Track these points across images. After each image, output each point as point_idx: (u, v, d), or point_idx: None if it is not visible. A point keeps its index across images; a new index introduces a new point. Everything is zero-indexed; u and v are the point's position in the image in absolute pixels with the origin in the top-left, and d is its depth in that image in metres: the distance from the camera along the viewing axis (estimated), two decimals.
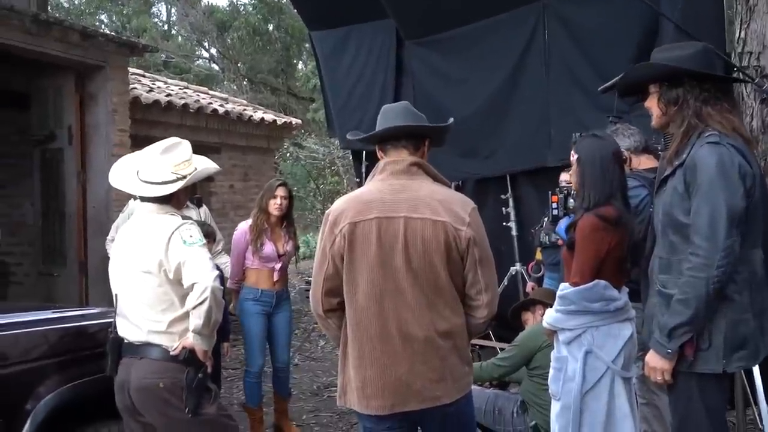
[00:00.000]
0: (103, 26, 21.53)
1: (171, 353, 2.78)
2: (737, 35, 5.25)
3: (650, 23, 4.37)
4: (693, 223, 2.45)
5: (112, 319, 3.04)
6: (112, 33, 9.09)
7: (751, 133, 5.14)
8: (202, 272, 2.73)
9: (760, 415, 3.39)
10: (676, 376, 2.55)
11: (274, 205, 4.69)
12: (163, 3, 25.89)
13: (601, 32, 4.72)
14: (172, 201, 2.97)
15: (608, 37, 4.66)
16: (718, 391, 2.58)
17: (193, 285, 2.73)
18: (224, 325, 4.44)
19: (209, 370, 2.87)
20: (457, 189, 5.52)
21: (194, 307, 2.72)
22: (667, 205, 2.59)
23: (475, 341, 5.18)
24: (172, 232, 2.81)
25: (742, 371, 3.39)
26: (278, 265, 4.73)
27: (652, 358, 2.56)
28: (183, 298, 2.79)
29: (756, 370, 3.15)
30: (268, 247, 4.66)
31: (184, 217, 2.94)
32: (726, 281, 2.42)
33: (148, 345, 2.82)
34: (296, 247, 4.96)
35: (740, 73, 4.33)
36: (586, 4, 4.80)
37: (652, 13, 4.31)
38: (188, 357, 2.78)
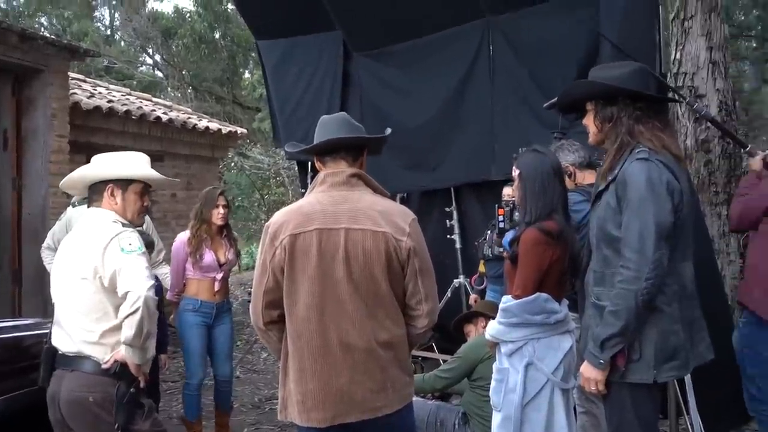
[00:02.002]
0: (43, 29, 20.98)
1: (102, 366, 2.73)
2: (672, 56, 5.47)
3: (591, 42, 4.48)
4: (623, 237, 2.53)
5: (47, 330, 2.98)
6: (53, 36, 8.87)
7: (685, 151, 5.35)
8: (136, 281, 2.69)
9: (692, 424, 3.50)
10: (609, 386, 2.61)
11: (218, 215, 4.66)
12: (106, 7, 25.43)
13: (544, 49, 4.80)
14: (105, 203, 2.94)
15: (551, 55, 4.74)
16: (650, 401, 2.65)
17: (126, 294, 2.69)
18: (162, 337, 4.37)
19: (142, 384, 2.83)
20: (402, 201, 5.57)
21: (126, 317, 2.68)
22: (601, 220, 2.66)
23: (418, 353, 5.23)
24: (111, 239, 2.76)
25: (675, 381, 3.50)
26: (219, 275, 4.68)
27: (586, 369, 2.62)
28: (117, 309, 2.74)
29: (688, 379, 3.26)
30: (208, 257, 4.61)
31: (125, 225, 2.89)
32: (655, 293, 2.49)
33: (79, 357, 2.76)
34: (237, 254, 4.92)
35: (674, 93, 4.50)
36: (530, 22, 4.89)
37: (592, 33, 4.43)
38: (120, 371, 2.73)
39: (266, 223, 2.57)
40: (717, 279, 4.33)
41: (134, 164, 3.04)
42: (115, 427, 2.69)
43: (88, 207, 3.01)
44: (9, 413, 3.00)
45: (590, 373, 2.61)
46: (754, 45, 17.59)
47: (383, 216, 2.48)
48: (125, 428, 2.71)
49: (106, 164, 3.01)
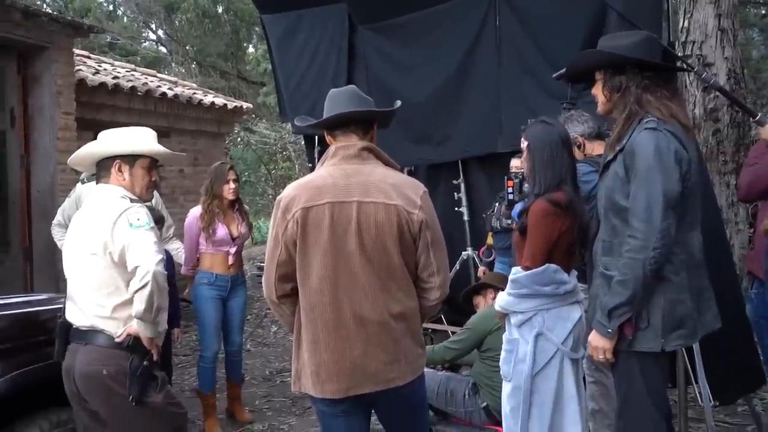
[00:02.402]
0: (45, 6, 20.85)
1: (115, 340, 2.77)
2: (681, 25, 5.44)
3: (597, 12, 4.45)
4: (631, 207, 2.54)
5: (60, 306, 3.02)
6: (55, 12, 8.84)
7: (693, 120, 5.34)
8: (145, 256, 2.71)
9: (700, 392, 3.53)
10: (618, 355, 2.64)
11: (229, 190, 4.71)
12: None
13: (551, 20, 4.78)
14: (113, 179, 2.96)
15: (558, 25, 4.71)
16: (658, 370, 2.67)
17: (135, 269, 2.71)
18: (174, 311, 4.43)
19: (156, 357, 2.86)
20: (410, 174, 5.57)
21: (136, 292, 2.70)
22: (609, 189, 2.67)
23: (427, 325, 5.27)
24: (120, 214, 2.78)
25: (684, 350, 3.53)
26: (233, 249, 4.75)
27: (594, 338, 2.66)
28: (128, 283, 2.76)
29: (696, 348, 3.28)
30: (221, 231, 4.67)
31: (133, 200, 2.90)
32: (663, 262, 2.51)
33: (93, 331, 2.80)
34: (250, 227, 4.98)
35: (682, 62, 4.47)
36: None
37: (599, 3, 4.41)
38: (133, 344, 2.77)
39: (278, 197, 2.60)
40: (725, 248, 4.33)
41: (141, 139, 3.05)
42: (129, 399, 2.73)
43: (97, 183, 3.03)
44: (25, 387, 3.04)
45: (598, 342, 2.64)
46: (763, 12, 17.39)
47: (395, 189, 2.49)
48: (139, 400, 2.74)
49: (113, 140, 3.02)
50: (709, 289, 2.71)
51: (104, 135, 3.08)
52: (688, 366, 3.80)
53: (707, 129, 5.53)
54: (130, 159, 2.96)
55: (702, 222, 2.76)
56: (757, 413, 4.17)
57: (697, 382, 3.53)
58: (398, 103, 2.82)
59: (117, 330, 2.78)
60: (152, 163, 3.04)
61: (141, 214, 2.83)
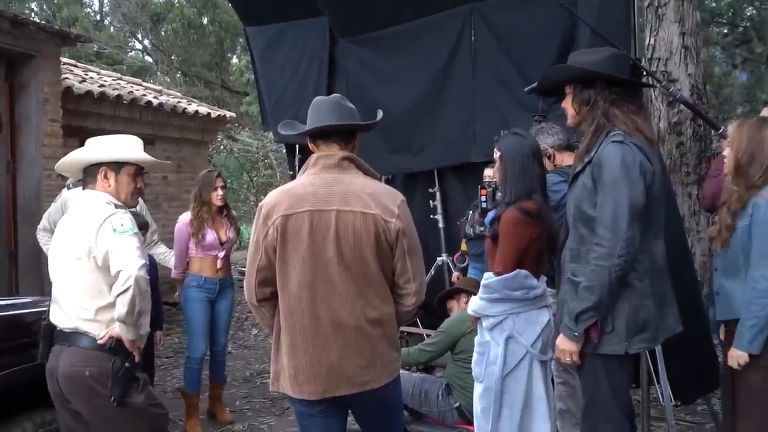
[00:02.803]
0: (33, 14, 20.64)
1: (98, 342, 2.75)
2: (647, 42, 5.51)
3: (569, 28, 4.50)
4: (598, 217, 2.56)
5: (44, 308, 2.99)
6: (43, 22, 8.76)
7: (658, 133, 5.41)
8: (128, 261, 2.69)
9: (662, 392, 3.57)
10: (584, 358, 2.66)
11: (217, 197, 4.74)
12: None
13: (524, 35, 4.82)
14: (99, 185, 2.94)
15: (531, 41, 4.75)
16: (622, 371, 2.70)
17: (118, 273, 2.69)
18: (157, 314, 4.39)
19: (138, 359, 2.84)
20: (388, 182, 5.58)
21: (118, 295, 2.68)
22: (578, 200, 2.70)
23: (403, 328, 5.27)
24: (104, 220, 2.76)
25: (647, 352, 3.57)
26: (221, 253, 4.75)
27: (561, 341, 2.68)
28: (111, 287, 2.74)
29: (658, 350, 3.32)
30: (210, 236, 4.68)
31: (118, 206, 2.88)
32: (627, 269, 2.54)
33: (76, 333, 2.78)
34: (237, 232, 4.99)
35: (649, 78, 4.53)
36: (511, 8, 4.90)
37: (570, 19, 4.44)
38: (115, 346, 2.74)
39: (260, 204, 2.58)
40: (687, 256, 4.40)
41: (126, 147, 3.03)
42: (111, 400, 2.71)
43: (83, 189, 3.01)
44: (9, 388, 3.01)
45: (565, 345, 2.66)
46: (725, 31, 17.67)
47: (373, 198, 2.49)
48: (120, 401, 2.72)
49: (99, 147, 3.00)
50: (671, 295, 2.74)
51: (91, 142, 3.05)
52: (651, 367, 3.83)
53: (671, 142, 5.60)
54: (116, 166, 2.94)
55: (665, 231, 2.79)
56: (715, 412, 4.22)
57: (659, 383, 3.57)
58: (380, 113, 2.82)
59: (100, 332, 2.76)
60: (138, 170, 3.02)
61: (125, 219, 2.80)
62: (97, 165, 2.94)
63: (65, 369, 2.76)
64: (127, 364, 2.76)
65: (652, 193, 2.60)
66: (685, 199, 5.63)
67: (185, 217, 4.76)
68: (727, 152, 2.89)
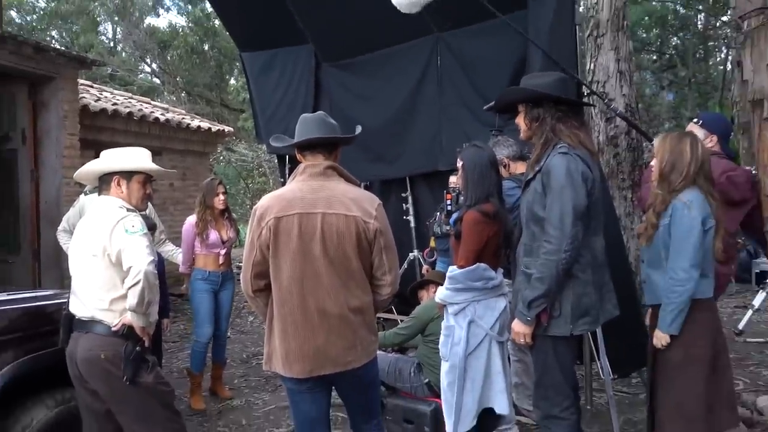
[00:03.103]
0: (53, 41, 20.31)
1: (112, 329, 2.71)
2: (588, 67, 5.55)
3: (522, 54, 4.53)
4: (547, 217, 2.58)
5: (64, 300, 2.95)
6: (63, 48, 8.62)
7: (597, 145, 5.45)
8: (138, 257, 2.67)
9: (602, 367, 3.60)
10: (535, 339, 2.68)
11: (219, 201, 4.71)
12: (109, 22, 24.68)
13: (483, 61, 4.84)
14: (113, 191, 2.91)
15: (489, 65, 4.78)
16: (568, 350, 2.72)
17: (129, 268, 2.66)
18: (164, 304, 4.34)
19: (147, 344, 2.80)
20: (366, 188, 5.58)
21: (130, 288, 2.66)
22: (529, 203, 2.70)
23: (379, 315, 5.26)
24: (117, 222, 2.73)
25: (589, 333, 3.60)
26: (223, 250, 4.73)
27: (516, 324, 2.69)
28: (123, 280, 2.71)
29: (599, 332, 3.34)
30: (213, 236, 4.66)
31: (129, 209, 2.86)
32: (572, 262, 2.56)
33: (93, 321, 2.74)
34: (237, 231, 4.94)
35: (591, 97, 4.56)
36: (472, 37, 4.92)
37: (523, 47, 4.47)
38: (127, 332, 2.71)
39: (254, 207, 2.57)
40: (623, 250, 4.44)
41: (137, 158, 3.00)
42: (124, 380, 2.68)
43: (99, 195, 2.97)
44: (34, 370, 2.96)
45: (520, 328, 2.67)
46: (654, 57, 17.92)
47: (354, 202, 2.49)
48: (132, 380, 2.69)
49: (113, 158, 2.97)
50: (609, 284, 2.76)
51: (106, 154, 3.02)
52: (593, 346, 3.87)
53: (609, 152, 5.64)
54: (128, 175, 2.92)
55: (604, 229, 2.81)
56: (648, 384, 4.27)
57: (599, 359, 3.59)
58: (359, 128, 2.81)
59: (113, 320, 2.72)
60: (147, 178, 3.00)
61: (136, 221, 2.78)
62: (111, 174, 2.91)
63: (83, 353, 2.72)
64: (137, 348, 2.73)
65: (592, 197, 2.62)
66: (621, 201, 5.67)
67: (191, 219, 4.74)
68: (653, 161, 2.91)
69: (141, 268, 2.65)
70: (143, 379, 2.74)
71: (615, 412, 3.32)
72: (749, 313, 6.26)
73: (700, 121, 3.41)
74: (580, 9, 6.13)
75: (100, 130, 7.50)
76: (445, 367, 3.11)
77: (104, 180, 2.93)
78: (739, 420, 3.07)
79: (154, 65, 22.95)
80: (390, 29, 5.13)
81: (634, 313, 3.83)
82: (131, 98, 9.32)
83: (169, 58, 21.68)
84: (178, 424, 2.87)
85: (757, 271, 8.16)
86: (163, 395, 2.83)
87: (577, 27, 4.23)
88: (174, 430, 2.83)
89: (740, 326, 6.18)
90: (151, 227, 4.41)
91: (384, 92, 5.48)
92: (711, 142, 3.26)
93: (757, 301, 5.43)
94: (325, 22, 5.55)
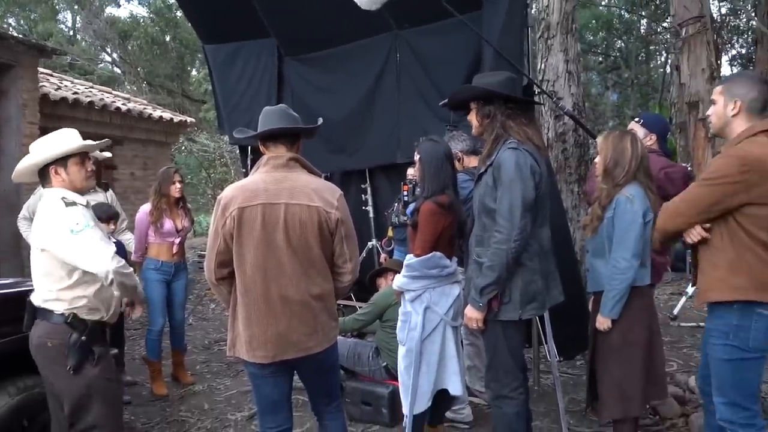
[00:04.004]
0: (11, 29, 19.50)
1: (57, 316, 2.62)
2: (539, 67, 5.64)
3: (477, 53, 4.59)
4: (498, 209, 2.63)
5: (27, 288, 2.86)
6: (21, 35, 8.30)
7: (546, 141, 5.56)
8: (95, 260, 2.54)
9: (548, 351, 3.70)
10: (486, 324, 2.74)
11: (175, 189, 4.60)
12: (68, 11, 23.84)
13: (440, 58, 4.88)
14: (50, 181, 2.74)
15: (445, 62, 4.82)
16: (517, 334, 2.79)
17: (93, 273, 2.56)
18: None
19: (107, 335, 2.73)
20: (327, 179, 5.54)
21: (110, 286, 2.61)
22: (481, 195, 2.75)
23: (339, 301, 5.28)
24: (59, 222, 2.59)
25: (537, 318, 3.69)
26: (177, 240, 4.63)
27: (469, 310, 2.74)
28: (70, 272, 2.60)
29: (546, 316, 3.43)
30: (168, 225, 4.56)
31: (69, 204, 2.65)
32: (521, 251, 2.62)
33: (43, 309, 2.65)
34: (192, 221, 4.86)
35: (539, 96, 4.65)
36: (429, 35, 4.96)
37: (477, 46, 4.54)
38: (73, 321, 2.62)
39: (218, 197, 2.54)
40: (569, 241, 4.55)
41: (64, 141, 2.76)
42: (67, 368, 2.60)
43: (43, 188, 2.79)
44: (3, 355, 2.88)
45: (472, 314, 2.72)
46: (600, 59, 18.33)
47: (316, 193, 2.50)
48: (76, 369, 2.60)
49: (41, 150, 2.75)
50: (555, 272, 2.84)
51: (33, 147, 2.80)
52: (540, 330, 3.97)
53: (557, 148, 5.75)
54: (62, 161, 2.73)
55: (551, 221, 2.88)
56: (588, 365, 4.40)
57: (546, 343, 3.69)
58: (320, 120, 2.80)
59: (61, 309, 2.62)
60: (82, 156, 2.79)
61: (78, 217, 2.61)
62: (46, 166, 2.73)
63: (34, 340, 2.65)
64: (83, 338, 2.62)
65: (540, 190, 2.68)
66: (568, 195, 5.80)
67: (146, 208, 4.62)
68: (597, 158, 3.00)
69: (105, 270, 2.54)
70: (86, 371, 2.63)
71: (560, 392, 3.42)
72: (683, 299, 6.54)
73: (641, 121, 3.53)
74: (533, 11, 6.24)
75: (60, 119, 7.25)
76: (402, 351, 3.14)
77: (42, 174, 2.75)
78: (667, 393, 3.21)
79: (114, 55, 22.30)
80: (351, 25, 5.13)
81: (579, 300, 3.94)
82: (92, 88, 9.05)
83: (129, 48, 21.08)
84: (114, 423, 2.72)
85: (691, 260, 8.45)
86: (106, 390, 2.70)
87: (529, 29, 4.31)
88: (109, 427, 2.69)
89: (675, 312, 6.46)
90: (114, 215, 4.34)
91: (345, 86, 5.48)
92: (650, 141, 3.38)
93: (691, 288, 5.64)
94: (288, 17, 5.51)
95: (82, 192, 2.80)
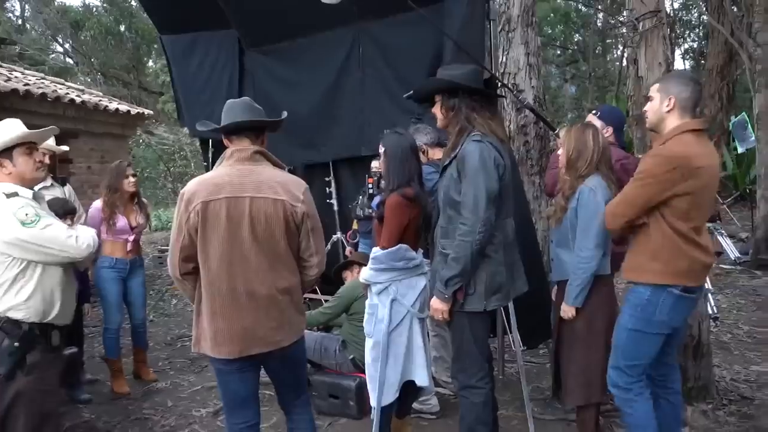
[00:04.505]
0: None
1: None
2: (501, 60, 5.67)
3: (438, 46, 4.60)
4: (462, 201, 2.66)
5: None
6: None
7: (509, 133, 5.60)
8: (67, 248, 2.52)
9: (513, 340, 3.76)
10: (452, 315, 2.77)
11: (129, 184, 4.46)
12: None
13: (403, 50, 4.86)
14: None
15: (408, 55, 4.79)
16: (482, 324, 2.84)
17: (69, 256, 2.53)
18: (84, 289, 4.17)
19: (56, 340, 2.64)
20: (290, 173, 5.50)
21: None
22: (446, 187, 2.78)
23: (305, 295, 5.26)
24: (5, 216, 2.50)
25: (502, 308, 3.75)
26: (131, 237, 4.50)
27: (435, 302, 2.77)
28: (2, 272, 2.50)
29: (510, 307, 3.49)
30: (121, 222, 4.42)
31: (9, 195, 2.56)
32: (485, 243, 2.65)
33: None
34: (147, 217, 4.71)
35: (503, 89, 4.70)
36: (392, 28, 4.93)
37: (439, 38, 4.55)
38: (5, 326, 2.52)
39: (181, 191, 2.50)
40: (532, 232, 4.61)
41: (6, 132, 2.64)
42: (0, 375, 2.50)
43: None
44: None
45: (438, 305, 2.75)
46: (558, 52, 18.63)
47: (282, 186, 2.48)
48: (8, 378, 2.51)
49: None
50: (518, 262, 2.89)
51: None
52: (505, 320, 4.03)
53: (519, 140, 5.78)
54: (7, 152, 2.62)
55: (515, 212, 2.93)
56: (552, 353, 4.50)
57: (511, 333, 3.75)
58: (285, 113, 2.78)
59: None
60: (29, 146, 2.68)
61: (25, 208, 2.53)
62: None
63: None
64: (16, 344, 2.51)
65: (503, 182, 2.71)
66: (530, 186, 5.84)
67: (98, 204, 4.47)
68: (560, 150, 3.06)
69: (79, 255, 2.55)
70: (16, 381, 2.53)
71: (525, 380, 3.49)
72: None
73: (598, 113, 3.61)
74: (495, 4, 6.28)
75: (11, 112, 6.99)
76: (369, 343, 3.15)
77: None
78: None
79: (66, 45, 21.64)
80: (313, 17, 5.06)
81: (542, 290, 4.01)
82: (44, 79, 8.76)
83: (82, 38, 20.47)
84: None
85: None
86: (34, 405, 2.56)
87: (492, 22, 4.34)
88: None
89: None
90: (71, 211, 4.21)
91: (308, 79, 5.41)
92: (607, 133, 3.46)
93: None
94: (249, 7, 5.41)
95: (32, 184, 2.69)
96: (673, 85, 2.65)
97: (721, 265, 7.91)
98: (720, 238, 6.46)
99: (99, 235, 4.36)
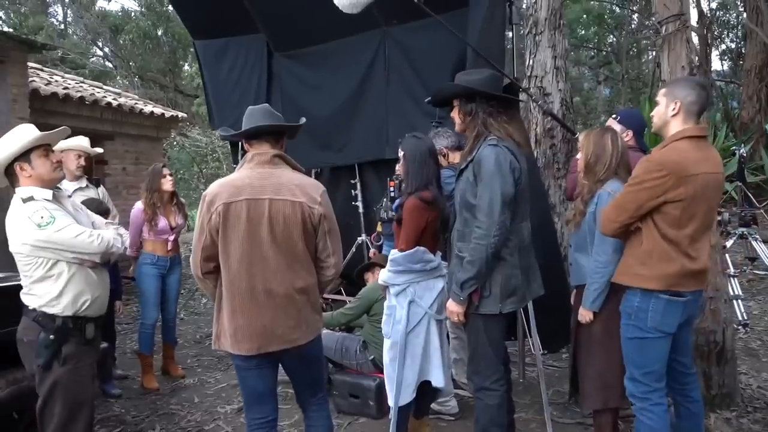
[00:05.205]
0: (1, 23, 19.39)
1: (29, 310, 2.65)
2: (527, 63, 5.66)
3: (462, 50, 4.62)
4: (478, 204, 2.67)
5: (16, 282, 2.88)
6: (10, 30, 8.28)
7: (535, 137, 5.58)
8: (78, 246, 2.60)
9: (533, 344, 3.76)
10: (468, 317, 2.79)
11: (168, 183, 4.64)
12: (59, 5, 23.70)
13: (427, 54, 4.91)
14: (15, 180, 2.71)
15: (433, 59, 4.83)
16: (498, 327, 2.83)
17: (87, 255, 2.62)
18: (117, 287, 4.32)
19: (91, 333, 2.74)
20: (317, 175, 5.62)
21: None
22: (462, 191, 2.79)
23: (329, 296, 5.34)
24: (20, 220, 2.60)
25: (522, 311, 3.74)
26: (171, 237, 4.69)
27: (450, 304, 2.79)
28: (37, 268, 2.61)
29: (531, 309, 3.48)
30: (162, 223, 4.61)
31: (26, 200, 2.64)
32: (501, 246, 2.67)
33: (24, 305, 2.68)
34: (185, 217, 4.88)
35: (523, 93, 4.68)
36: (417, 32, 4.98)
37: (462, 43, 4.58)
38: (42, 320, 2.63)
39: (204, 193, 2.59)
40: (552, 235, 4.55)
41: (21, 136, 2.71)
42: (37, 366, 2.62)
43: (14, 189, 2.76)
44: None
45: (454, 308, 2.78)
46: (592, 54, 18.38)
47: (300, 189, 2.55)
48: (45, 368, 2.61)
49: (0, 150, 2.71)
50: (535, 265, 2.88)
51: None
52: (525, 324, 4.02)
53: (545, 143, 5.76)
54: (24, 156, 2.70)
55: (535, 216, 2.93)
56: (571, 357, 4.46)
57: (531, 336, 3.75)
58: (303, 119, 2.85)
59: (34, 304, 2.65)
60: (45, 148, 2.76)
61: (41, 211, 2.61)
62: (10, 165, 2.71)
63: (17, 335, 2.69)
64: (51, 336, 2.62)
65: (519, 186, 2.72)
66: (556, 189, 5.81)
67: (140, 205, 4.65)
68: (579, 155, 3.06)
69: (97, 250, 2.63)
70: (53, 371, 2.63)
71: (544, 384, 3.48)
72: None
73: (618, 117, 3.60)
74: (523, 7, 6.26)
75: (51, 115, 7.26)
76: (387, 344, 3.19)
77: (9, 174, 2.73)
78: None
79: (106, 49, 22.23)
80: (339, 21, 5.10)
81: (564, 294, 3.99)
82: (83, 82, 9.03)
83: (121, 42, 21.00)
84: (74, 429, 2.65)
85: None
86: (75, 392, 2.67)
87: (514, 26, 4.34)
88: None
89: None
90: (104, 212, 4.36)
91: (333, 82, 5.50)
92: (627, 137, 3.44)
93: None
94: (276, 12, 5.52)
95: (52, 185, 2.77)
96: (679, 89, 2.64)
97: (755, 271, 7.71)
98: (755, 243, 6.28)
99: (141, 234, 4.55)
